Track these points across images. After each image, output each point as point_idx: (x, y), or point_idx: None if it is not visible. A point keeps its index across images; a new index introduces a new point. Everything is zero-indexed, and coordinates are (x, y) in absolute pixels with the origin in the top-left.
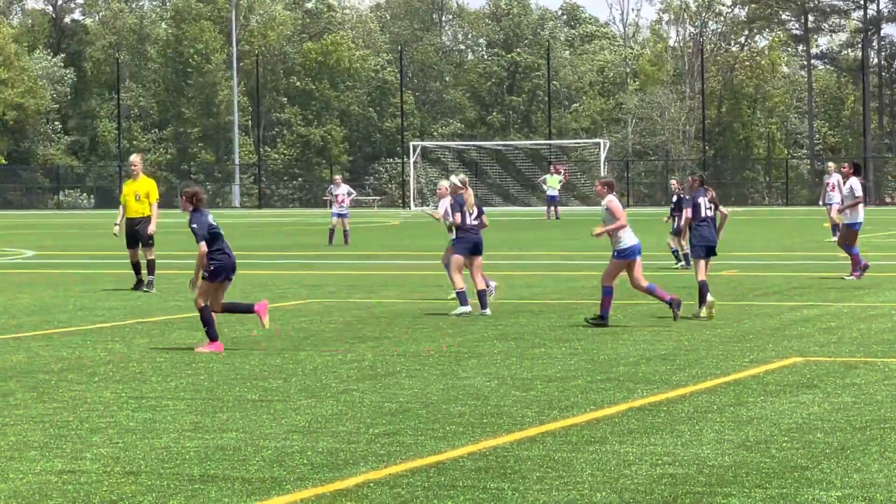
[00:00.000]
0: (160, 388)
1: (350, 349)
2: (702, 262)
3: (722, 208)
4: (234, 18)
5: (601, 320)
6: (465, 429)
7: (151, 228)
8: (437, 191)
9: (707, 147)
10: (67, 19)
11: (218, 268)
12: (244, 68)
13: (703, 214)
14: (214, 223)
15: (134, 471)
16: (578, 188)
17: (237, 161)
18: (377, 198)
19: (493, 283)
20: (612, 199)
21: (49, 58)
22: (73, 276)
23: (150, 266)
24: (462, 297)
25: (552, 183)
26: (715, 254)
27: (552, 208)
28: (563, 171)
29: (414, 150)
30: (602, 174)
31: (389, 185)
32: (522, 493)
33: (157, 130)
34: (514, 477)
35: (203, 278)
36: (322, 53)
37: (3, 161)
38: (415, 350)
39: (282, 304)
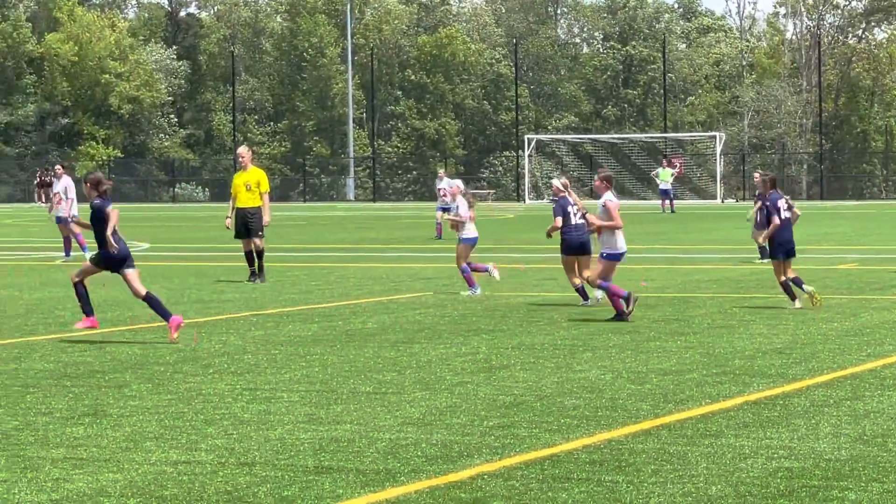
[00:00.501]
0: (274, 380)
1: (464, 342)
2: (781, 264)
3: (795, 208)
4: (348, 12)
5: (621, 315)
6: (580, 421)
7: (266, 219)
8: (450, 190)
9: (824, 140)
10: (183, 13)
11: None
12: (359, 62)
13: (781, 217)
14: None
15: (248, 462)
16: (694, 182)
17: (351, 154)
18: (491, 191)
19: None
20: (610, 199)
21: (163, 51)
22: (187, 269)
23: (259, 256)
24: (582, 293)
25: (664, 177)
26: (794, 255)
27: (666, 202)
28: (678, 165)
29: (528, 144)
30: (718, 168)
31: (504, 179)
32: (637, 486)
33: (271, 124)
34: (629, 470)
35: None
36: (437, 47)
37: (119, 154)
38: (529, 343)
39: (396, 297)
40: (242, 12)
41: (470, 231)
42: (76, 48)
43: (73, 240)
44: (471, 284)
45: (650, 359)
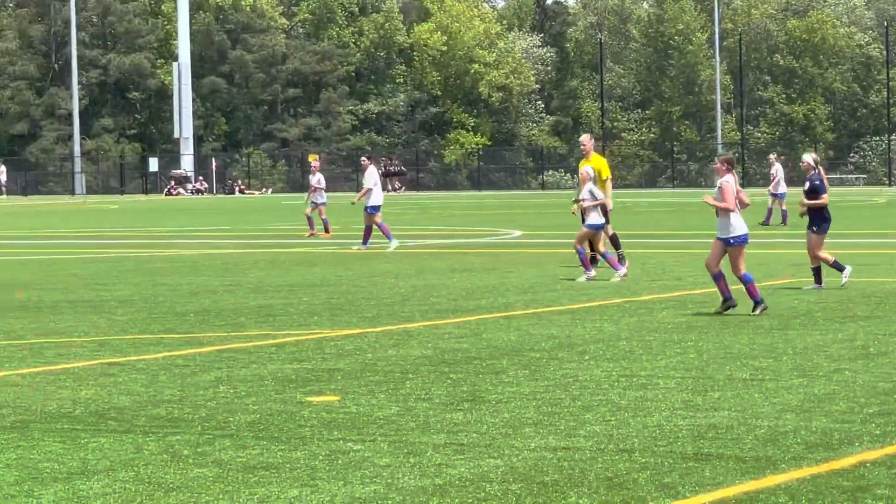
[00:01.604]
0: (650, 367)
1: (840, 328)
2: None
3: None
4: None
5: (727, 302)
6: None
7: (608, 205)
8: (581, 176)
9: None
10: (550, 1)
11: None
12: (727, 47)
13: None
14: None
15: (627, 448)
16: None
17: (720, 140)
18: (861, 176)
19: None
20: (727, 181)
21: (529, 38)
22: (556, 256)
23: (614, 241)
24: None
25: None
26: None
27: None
28: None
29: None
30: None
31: (872, 164)
32: None
33: (638, 111)
34: None
35: None
36: (806, 31)
37: (487, 142)
38: None
39: (769, 283)
40: (609, 0)
41: (593, 217)
42: (445, 38)
43: (372, 230)
44: (586, 268)
45: None
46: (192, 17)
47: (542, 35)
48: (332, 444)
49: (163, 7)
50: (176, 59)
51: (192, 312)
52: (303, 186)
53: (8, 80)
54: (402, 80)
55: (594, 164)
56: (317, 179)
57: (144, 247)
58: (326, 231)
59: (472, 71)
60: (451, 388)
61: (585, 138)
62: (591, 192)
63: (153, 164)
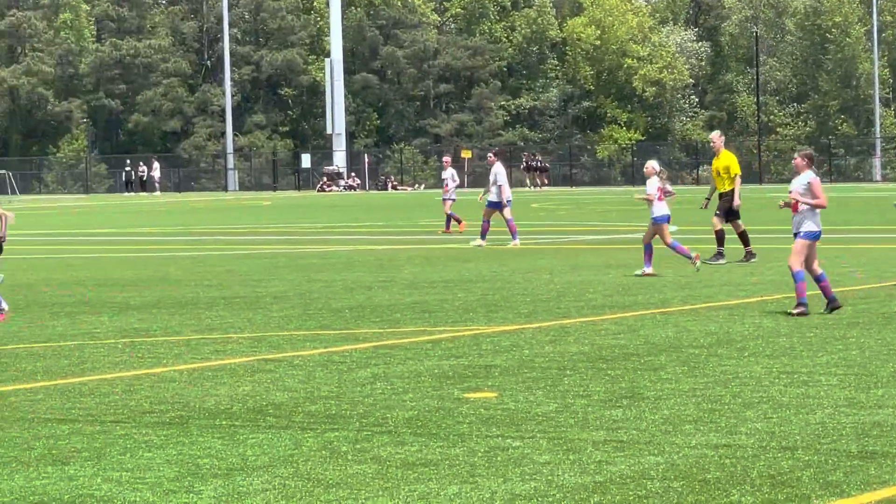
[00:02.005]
0: (811, 363)
1: None
2: None
3: None
4: None
5: (801, 307)
6: None
7: (736, 202)
8: (645, 170)
9: None
10: None
11: None
12: (885, 39)
13: None
14: None
15: (790, 446)
16: None
17: (878, 134)
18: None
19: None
20: (813, 177)
21: (683, 32)
22: (711, 252)
23: (742, 238)
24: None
25: None
26: None
27: None
28: None
29: None
30: None
31: None
32: None
33: (794, 105)
34: None
35: None
36: None
37: (641, 137)
38: None
39: None
40: None
41: (659, 209)
42: (598, 32)
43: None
44: (688, 255)
45: None
46: (344, 12)
47: (696, 29)
48: (491, 441)
49: (315, 3)
50: (328, 55)
51: (348, 308)
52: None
53: (161, 76)
54: (554, 75)
55: (724, 160)
56: (449, 174)
57: (298, 243)
58: (447, 228)
59: (626, 65)
60: (609, 384)
61: (715, 135)
62: (652, 187)
63: (305, 161)
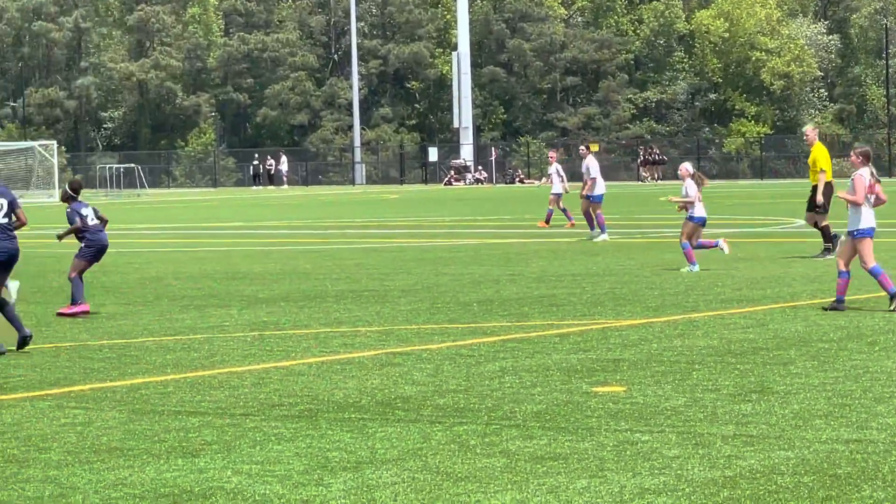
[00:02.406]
0: None
1: None
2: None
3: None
4: None
5: (838, 304)
6: None
7: (817, 198)
8: (680, 172)
9: None
10: None
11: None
12: None
13: None
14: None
15: None
16: None
17: None
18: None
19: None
20: (859, 174)
21: (813, 25)
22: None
23: (823, 233)
24: None
25: None
26: None
27: None
28: None
29: None
30: None
31: None
32: None
33: None
34: None
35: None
36: None
37: (769, 131)
38: None
39: None
40: None
41: (698, 210)
42: (727, 24)
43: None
44: (690, 261)
45: None
46: (470, 6)
47: (825, 22)
48: (620, 435)
49: None
50: (455, 48)
51: (476, 302)
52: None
53: (289, 70)
54: (682, 68)
55: (814, 153)
56: (554, 169)
57: (425, 237)
58: (546, 221)
59: (754, 58)
60: (738, 378)
61: (808, 129)
62: (686, 190)
63: (432, 154)
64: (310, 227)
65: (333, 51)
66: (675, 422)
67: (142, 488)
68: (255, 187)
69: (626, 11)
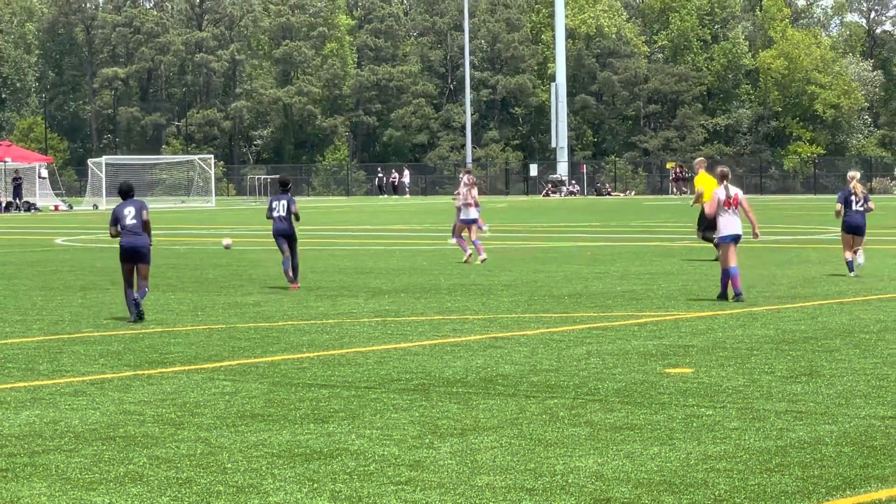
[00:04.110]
0: None
1: None
2: None
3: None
4: None
5: (737, 296)
6: None
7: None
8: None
9: None
10: (878, 30)
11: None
12: None
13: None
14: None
15: None
16: None
17: None
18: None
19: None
20: (715, 191)
21: (860, 63)
22: (884, 252)
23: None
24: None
25: None
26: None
27: None
28: None
29: None
30: None
31: None
32: None
33: None
34: None
35: None
36: None
37: (822, 152)
38: None
39: None
40: None
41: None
42: (786, 62)
43: None
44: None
45: None
46: (567, 44)
47: (871, 60)
48: (688, 410)
49: (542, 36)
50: (553, 79)
51: (567, 295)
52: (661, 189)
53: (411, 97)
54: (747, 98)
55: (698, 181)
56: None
57: (525, 239)
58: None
59: (810, 91)
60: (790, 363)
61: (697, 161)
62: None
63: (533, 170)
64: (428, 230)
65: (449, 81)
66: (735, 399)
67: (279, 448)
68: (380, 196)
69: (700, 50)
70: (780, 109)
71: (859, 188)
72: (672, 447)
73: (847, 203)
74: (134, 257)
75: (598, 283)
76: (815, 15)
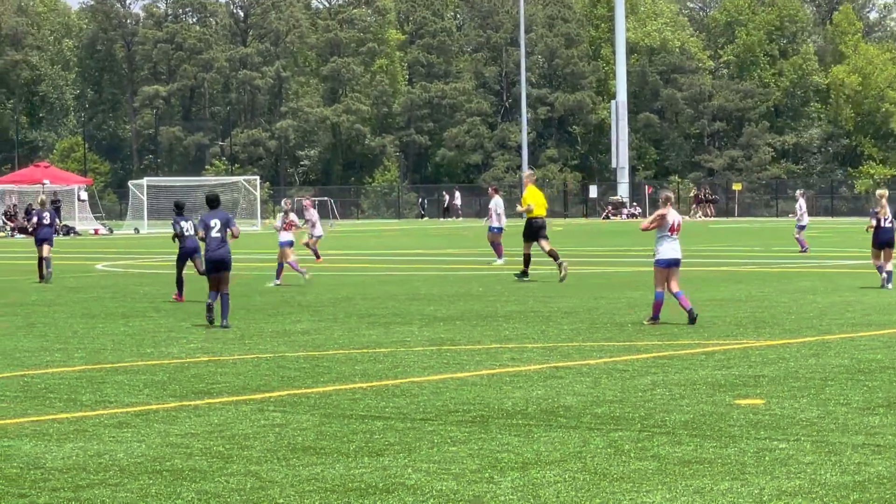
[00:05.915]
0: None
1: None
2: None
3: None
4: None
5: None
6: None
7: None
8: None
9: None
10: None
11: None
12: None
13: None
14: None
15: None
16: None
17: None
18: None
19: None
20: (660, 212)
21: None
22: None
23: (525, 259)
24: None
25: None
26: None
27: None
28: None
29: None
30: None
31: None
32: None
33: None
34: None
35: None
36: None
37: (893, 173)
38: None
39: None
40: None
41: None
42: (860, 79)
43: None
44: None
45: None
46: (628, 59)
47: None
48: (760, 443)
49: (602, 51)
50: (614, 97)
51: (630, 323)
52: (727, 212)
53: (465, 115)
54: (817, 116)
55: (527, 193)
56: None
57: (585, 264)
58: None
59: (883, 109)
60: (867, 394)
61: (526, 174)
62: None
63: (592, 191)
64: (481, 254)
65: (505, 98)
66: (809, 431)
67: (332, 483)
68: (421, 219)
69: (768, 66)
70: (851, 128)
71: (886, 206)
72: (744, 482)
73: (877, 219)
74: (219, 266)
75: (662, 311)
76: (888, 28)
